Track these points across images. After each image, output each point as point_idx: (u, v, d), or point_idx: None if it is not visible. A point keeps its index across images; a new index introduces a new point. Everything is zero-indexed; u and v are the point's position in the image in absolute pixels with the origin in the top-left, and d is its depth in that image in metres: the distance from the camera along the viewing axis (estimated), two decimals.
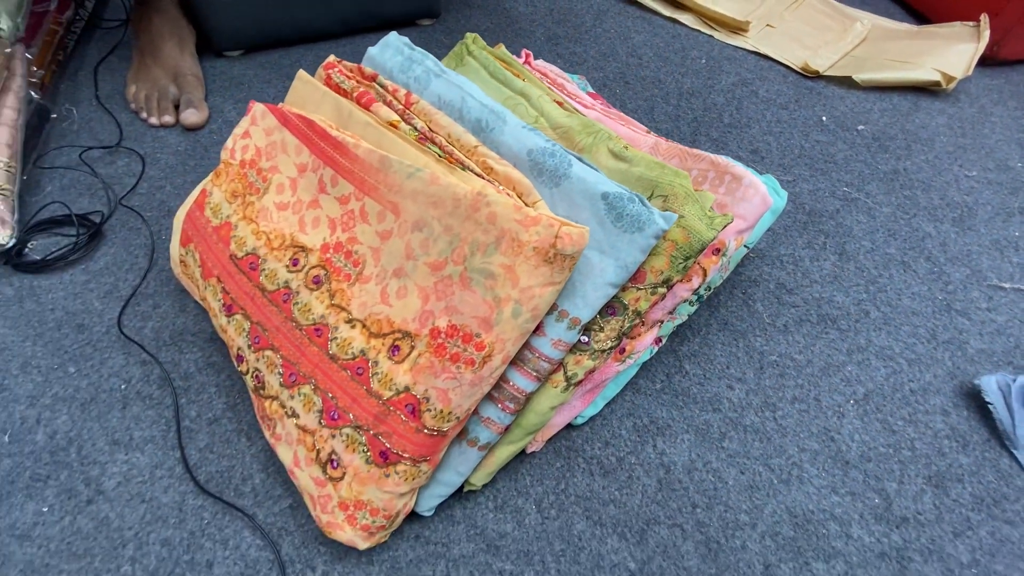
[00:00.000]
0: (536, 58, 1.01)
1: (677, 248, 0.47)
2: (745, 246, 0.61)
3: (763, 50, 1.07)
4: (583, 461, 0.58)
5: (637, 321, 0.49)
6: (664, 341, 0.61)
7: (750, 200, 0.52)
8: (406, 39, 0.61)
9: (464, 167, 0.48)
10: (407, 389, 0.44)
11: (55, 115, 0.84)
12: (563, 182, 0.46)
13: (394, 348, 0.45)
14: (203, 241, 0.59)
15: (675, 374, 0.65)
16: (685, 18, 1.13)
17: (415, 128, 0.52)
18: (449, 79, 0.55)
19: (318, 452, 0.48)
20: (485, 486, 0.55)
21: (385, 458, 0.45)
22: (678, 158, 0.58)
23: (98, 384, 0.61)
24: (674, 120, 0.93)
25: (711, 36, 1.10)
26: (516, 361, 0.47)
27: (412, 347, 0.45)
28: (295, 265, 0.53)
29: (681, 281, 0.52)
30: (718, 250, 0.53)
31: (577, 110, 0.59)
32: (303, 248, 0.53)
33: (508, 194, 0.46)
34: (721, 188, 0.55)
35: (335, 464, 0.47)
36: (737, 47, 1.08)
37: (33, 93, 0.80)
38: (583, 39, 1.07)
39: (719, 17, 1.10)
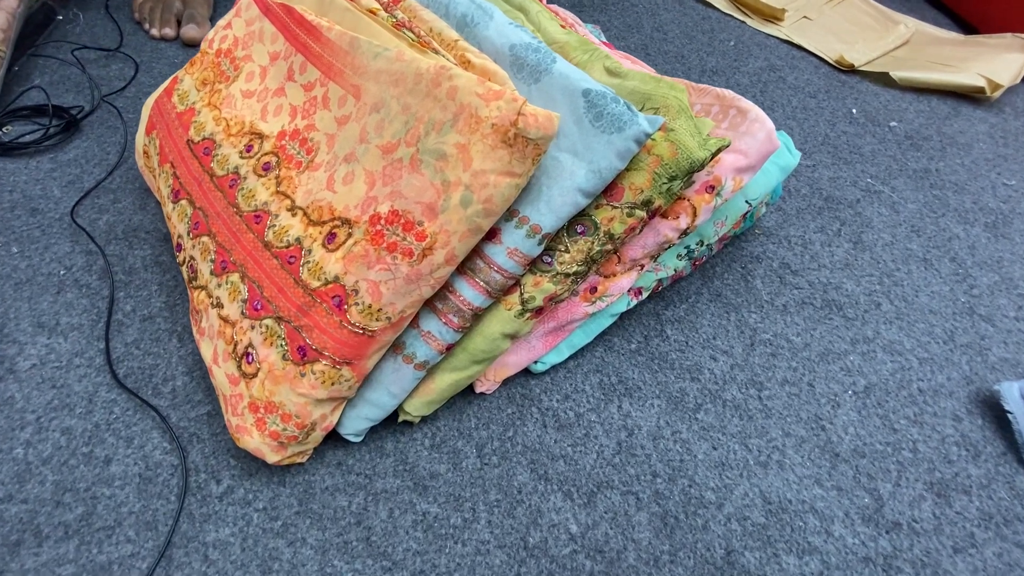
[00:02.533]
0: None
1: (662, 164, 0.41)
2: (747, 202, 0.55)
3: (796, 40, 1.02)
4: (537, 411, 0.52)
5: (609, 248, 0.44)
6: (645, 296, 0.55)
7: (754, 135, 0.47)
8: None
9: (437, 53, 0.44)
10: (336, 279, 0.39)
11: (60, 16, 0.83)
12: (543, 78, 0.42)
13: (330, 236, 0.41)
14: (165, 127, 0.55)
15: (654, 337, 0.58)
16: (717, 2, 1.08)
17: (395, 18, 0.48)
18: None
19: (235, 345, 0.43)
20: (423, 420, 0.50)
21: (303, 354, 0.40)
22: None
23: (37, 267, 0.57)
24: None
25: (743, 22, 1.05)
26: (465, 269, 0.42)
27: (349, 235, 0.40)
28: (248, 151, 0.49)
29: (666, 215, 0.47)
30: (712, 187, 0.47)
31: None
32: (260, 135, 0.49)
33: None
34: (724, 123, 0.49)
35: (250, 359, 0.42)
36: (769, 35, 1.03)
37: None
38: (609, 9, 1.04)
39: (754, 4, 1.05)
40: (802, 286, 0.66)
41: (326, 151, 0.45)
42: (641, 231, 0.46)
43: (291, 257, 0.42)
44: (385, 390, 0.44)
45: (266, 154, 0.48)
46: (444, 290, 0.42)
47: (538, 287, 0.43)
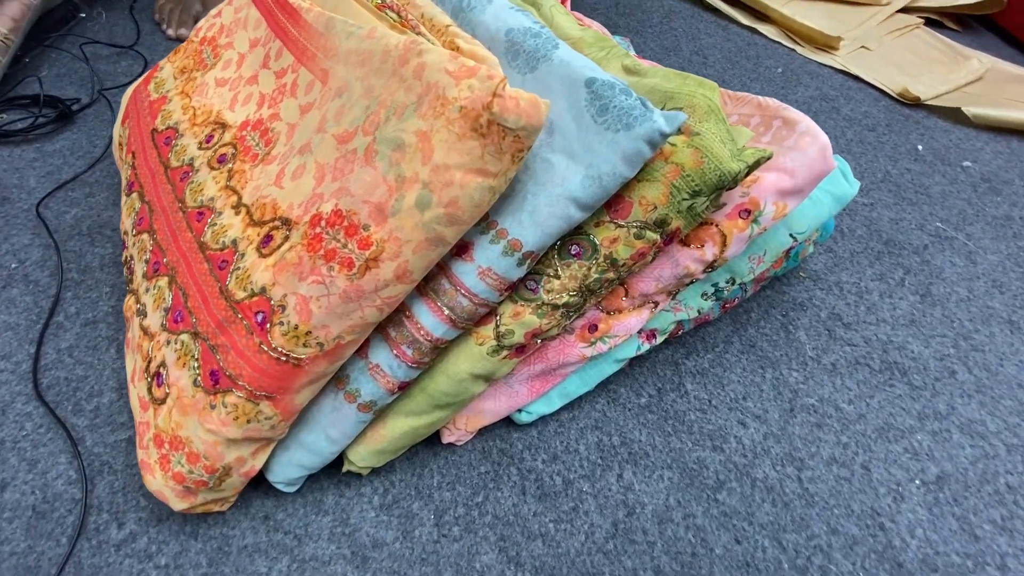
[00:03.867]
0: None
1: (682, 176, 0.33)
2: (792, 235, 0.45)
3: (853, 70, 0.92)
4: (517, 473, 0.42)
5: (611, 276, 0.35)
6: (660, 340, 0.45)
7: (804, 151, 0.38)
8: None
9: (418, 34, 0.37)
10: (263, 291, 0.32)
11: (84, 14, 0.83)
12: (541, 65, 0.34)
13: (267, 239, 0.34)
14: (136, 116, 0.50)
15: (670, 391, 0.48)
16: (765, 29, 1.00)
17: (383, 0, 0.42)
18: None
19: (149, 363, 0.36)
20: (375, 472, 0.41)
21: (215, 381, 0.32)
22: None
23: None
24: None
25: (792, 50, 0.97)
26: (426, 289, 0.33)
27: (286, 238, 0.33)
28: (208, 142, 0.43)
29: (688, 242, 0.38)
30: (748, 212, 0.38)
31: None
32: (223, 125, 0.43)
33: None
34: (766, 136, 0.40)
35: (160, 380, 0.34)
36: (822, 64, 0.94)
37: None
38: (646, 32, 0.97)
39: (806, 31, 0.97)
40: (856, 343, 0.54)
41: (284, 142, 0.38)
42: (654, 259, 0.37)
43: (223, 262, 0.35)
44: (323, 433, 0.36)
45: (224, 145, 0.42)
46: (399, 313, 0.34)
47: (518, 319, 0.35)
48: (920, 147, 0.80)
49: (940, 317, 0.58)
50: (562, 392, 0.43)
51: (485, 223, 0.33)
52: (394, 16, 0.39)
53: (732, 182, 0.33)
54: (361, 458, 0.38)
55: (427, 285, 0.34)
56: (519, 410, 0.43)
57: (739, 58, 0.94)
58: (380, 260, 0.29)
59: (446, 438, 0.41)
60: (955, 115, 0.85)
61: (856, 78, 0.92)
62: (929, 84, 0.88)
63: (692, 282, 0.41)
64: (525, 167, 0.33)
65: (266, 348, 0.31)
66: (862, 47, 0.97)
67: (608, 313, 0.40)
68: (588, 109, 0.32)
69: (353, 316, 0.31)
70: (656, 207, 0.33)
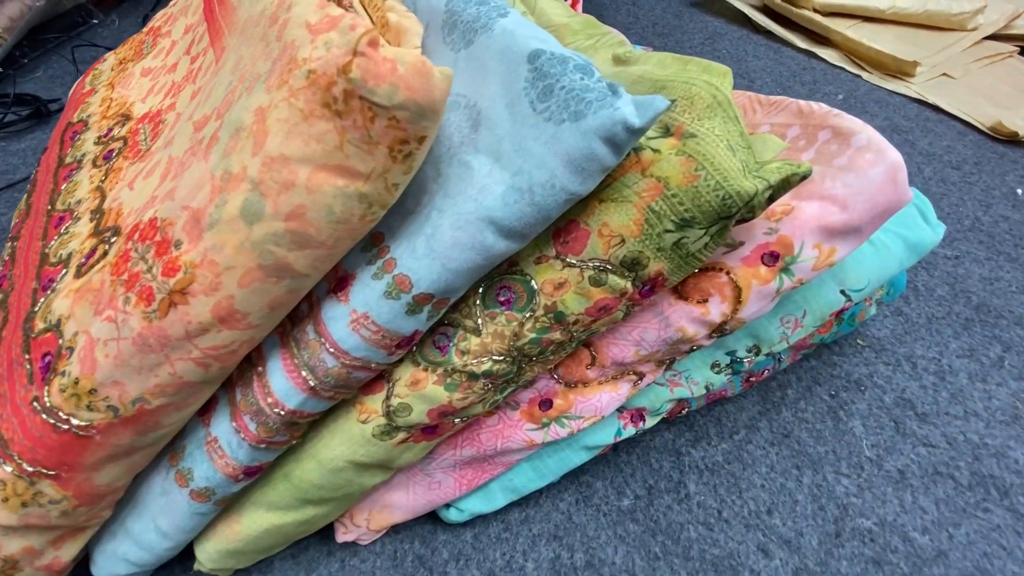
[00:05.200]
0: None
1: (665, 196, 0.22)
2: (845, 292, 0.33)
3: (932, 99, 0.78)
4: None
5: (558, 338, 0.24)
6: (652, 422, 0.33)
7: (863, 172, 0.26)
8: None
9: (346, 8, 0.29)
10: (57, 325, 0.23)
11: (96, 20, 0.82)
12: (479, 38, 0.25)
13: (90, 253, 0.25)
14: (65, 110, 0.45)
15: (665, 492, 0.36)
16: (826, 53, 0.88)
17: None
18: None
19: None
20: (246, 570, 0.30)
21: None
22: (742, 108, 0.33)
23: None
24: None
25: (858, 76, 0.84)
26: (288, 336, 0.24)
27: (105, 253, 0.24)
28: (106, 135, 0.36)
29: (685, 294, 0.26)
30: (775, 256, 0.26)
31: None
32: (128, 117, 0.36)
33: None
34: (808, 153, 0.29)
35: None
36: (893, 91, 0.81)
37: None
38: (684, 53, 0.87)
39: (876, 56, 0.84)
40: (935, 442, 0.40)
41: (166, 135, 0.30)
42: (628, 315, 0.25)
43: (49, 280, 0.26)
44: (152, 522, 0.26)
45: (116, 140, 0.34)
46: (252, 367, 0.24)
47: (418, 390, 0.24)
48: (1020, 191, 0.64)
49: None
50: (506, 486, 0.32)
51: (375, 247, 0.23)
52: None
53: (745, 210, 0.22)
54: (211, 559, 0.28)
55: (292, 330, 0.24)
56: (447, 504, 0.32)
57: (792, 83, 0.81)
58: (189, 293, 0.20)
59: (341, 536, 0.31)
60: None
61: (936, 108, 0.78)
62: None
63: (694, 349, 0.29)
64: (436, 171, 0.23)
65: (39, 407, 0.22)
66: (943, 75, 0.83)
67: (568, 385, 0.28)
68: (527, 93, 0.21)
69: (159, 372, 0.21)
70: (624, 240, 0.22)
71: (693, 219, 0.22)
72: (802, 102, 0.30)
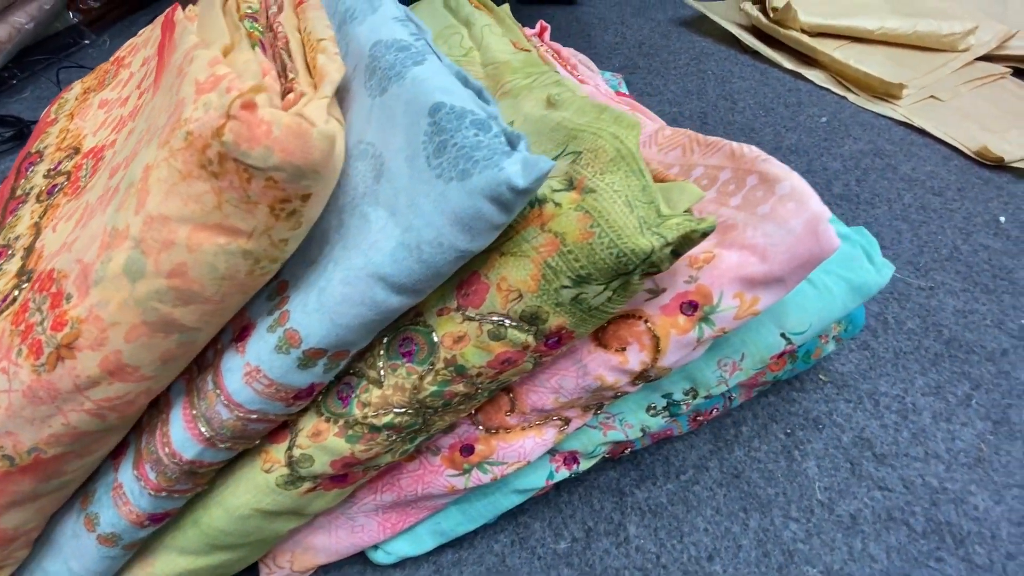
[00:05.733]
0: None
1: (561, 252, 0.21)
2: (785, 336, 0.32)
3: (918, 122, 0.77)
4: None
5: (463, 391, 0.24)
6: (587, 464, 0.33)
7: (784, 223, 0.25)
8: None
9: (279, 50, 0.29)
10: None
11: (88, 41, 0.84)
12: (392, 86, 0.25)
13: (6, 297, 0.25)
14: (30, 139, 0.46)
15: (604, 534, 0.35)
16: (812, 74, 0.87)
17: (251, 9, 0.35)
18: None
19: None
20: None
21: None
22: (681, 148, 0.33)
23: None
24: None
25: (843, 97, 0.83)
26: (192, 384, 0.24)
27: (14, 300, 0.24)
28: (55, 168, 0.37)
29: (601, 340, 0.26)
30: (694, 306, 0.26)
31: (568, 82, 0.36)
32: (77, 150, 0.37)
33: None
34: (735, 199, 0.28)
35: None
36: (879, 114, 0.80)
37: (72, 14, 0.80)
38: (669, 74, 0.87)
39: (863, 78, 0.83)
40: (891, 485, 0.39)
41: (97, 175, 0.31)
42: (537, 366, 0.25)
43: None
44: (64, 564, 0.26)
45: (62, 174, 0.35)
46: (159, 413, 0.24)
47: (320, 441, 0.24)
48: (1003, 219, 0.63)
49: (1022, 457, 0.41)
50: (434, 529, 0.31)
51: (279, 295, 0.23)
52: (256, 27, 0.31)
53: (645, 266, 0.21)
54: None
55: (196, 377, 0.24)
56: (375, 546, 0.31)
57: (776, 105, 0.81)
58: (76, 348, 0.20)
59: None
60: None
61: (921, 132, 0.76)
62: (1018, 143, 0.71)
63: (619, 395, 0.29)
64: (339, 220, 0.23)
65: None
66: (931, 97, 0.82)
67: (489, 431, 0.28)
68: (425, 147, 0.21)
69: (51, 423, 0.21)
70: (522, 295, 0.22)
71: (590, 276, 0.21)
72: (735, 144, 0.30)
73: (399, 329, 0.24)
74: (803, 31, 0.90)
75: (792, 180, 0.26)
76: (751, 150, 0.29)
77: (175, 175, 0.19)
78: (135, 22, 0.93)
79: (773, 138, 0.73)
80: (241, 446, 0.24)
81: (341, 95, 0.29)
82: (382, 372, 0.23)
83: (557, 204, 0.22)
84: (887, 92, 0.82)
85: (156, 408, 0.25)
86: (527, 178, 0.19)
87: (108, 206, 0.21)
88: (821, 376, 0.46)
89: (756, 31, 0.96)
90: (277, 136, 0.18)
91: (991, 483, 0.39)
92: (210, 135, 0.18)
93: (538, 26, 0.54)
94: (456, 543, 0.34)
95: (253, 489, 0.25)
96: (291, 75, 0.27)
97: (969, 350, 0.48)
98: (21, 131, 0.64)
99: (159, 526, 0.25)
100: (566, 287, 0.22)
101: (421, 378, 0.23)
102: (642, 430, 0.33)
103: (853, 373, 0.46)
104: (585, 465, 0.33)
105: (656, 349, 0.26)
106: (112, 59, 0.47)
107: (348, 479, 0.26)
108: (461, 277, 0.23)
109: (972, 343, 0.49)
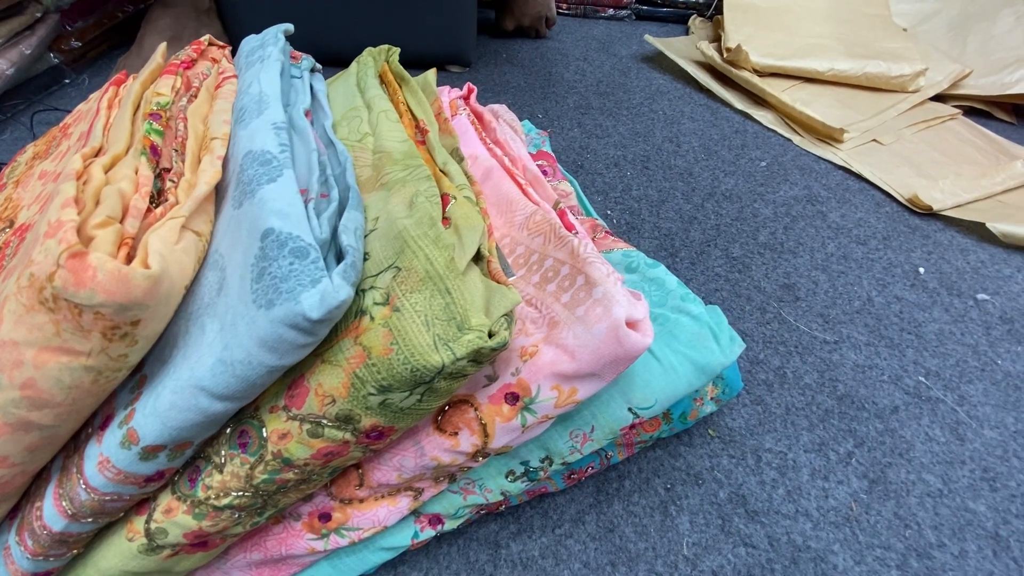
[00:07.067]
0: (551, 125, 0.85)
1: (367, 364, 0.25)
2: (633, 410, 0.35)
3: (856, 167, 0.79)
4: None
5: (294, 478, 0.27)
6: (450, 526, 0.36)
7: (591, 326, 0.28)
8: (290, 27, 0.50)
9: (174, 151, 0.32)
10: None
11: (68, 80, 0.88)
12: (246, 202, 0.28)
13: None
14: None
15: None
16: (761, 115, 0.90)
17: (158, 105, 0.38)
18: (268, 65, 0.41)
19: None
20: None
21: None
22: (543, 236, 0.36)
23: None
24: (686, 222, 0.69)
25: (788, 140, 0.85)
26: (66, 461, 0.27)
27: None
28: None
29: (439, 424, 0.29)
30: (516, 397, 0.29)
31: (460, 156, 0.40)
32: (12, 223, 0.41)
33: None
34: (567, 295, 0.31)
35: None
36: (820, 157, 0.82)
37: (53, 55, 0.85)
38: (620, 114, 0.90)
39: (807, 120, 0.85)
40: (756, 543, 0.41)
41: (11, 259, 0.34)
42: (369, 452, 0.28)
43: None
44: None
45: None
46: (42, 483, 0.28)
47: (171, 517, 0.27)
48: (922, 270, 0.65)
49: (891, 518, 0.43)
50: None
51: (139, 389, 0.27)
52: (154, 127, 0.35)
53: (439, 377, 0.25)
54: None
55: (71, 457, 0.27)
56: None
57: (719, 147, 0.83)
58: None
59: None
60: (979, 231, 0.70)
61: (858, 177, 0.79)
62: (949, 191, 0.73)
63: (464, 469, 0.32)
64: (185, 327, 0.26)
65: None
66: (873, 140, 0.84)
67: (343, 502, 0.31)
68: (253, 270, 0.25)
69: None
70: (335, 400, 0.25)
71: (391, 386, 0.25)
72: (577, 241, 0.33)
73: (241, 420, 0.27)
74: (755, 71, 0.93)
75: (606, 286, 0.29)
76: (585, 249, 0.32)
77: (21, 308, 0.22)
78: (115, 59, 0.98)
79: (711, 182, 0.76)
80: (106, 519, 0.27)
81: (220, 195, 0.32)
82: (223, 459, 0.27)
83: (372, 318, 0.26)
84: (828, 135, 0.84)
85: (40, 479, 0.28)
86: (322, 310, 0.23)
87: None
88: (710, 431, 0.48)
89: (711, 70, 0.98)
90: (100, 280, 0.22)
91: (855, 543, 0.42)
92: (45, 279, 0.22)
93: (465, 88, 0.57)
94: None
95: (120, 554, 0.28)
96: (172, 181, 0.31)
97: (860, 406, 0.51)
98: None
99: None
100: (372, 394, 0.25)
101: (252, 468, 0.26)
102: (502, 494, 0.36)
103: (742, 428, 0.49)
104: (451, 525, 0.36)
105: (485, 434, 0.29)
106: (60, 125, 0.51)
107: (208, 545, 0.29)
108: (292, 378, 0.26)
109: (864, 399, 0.51)
